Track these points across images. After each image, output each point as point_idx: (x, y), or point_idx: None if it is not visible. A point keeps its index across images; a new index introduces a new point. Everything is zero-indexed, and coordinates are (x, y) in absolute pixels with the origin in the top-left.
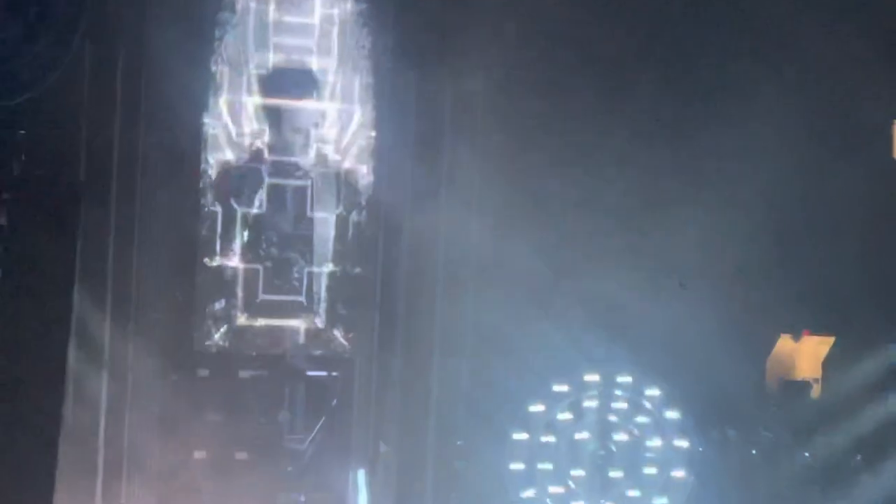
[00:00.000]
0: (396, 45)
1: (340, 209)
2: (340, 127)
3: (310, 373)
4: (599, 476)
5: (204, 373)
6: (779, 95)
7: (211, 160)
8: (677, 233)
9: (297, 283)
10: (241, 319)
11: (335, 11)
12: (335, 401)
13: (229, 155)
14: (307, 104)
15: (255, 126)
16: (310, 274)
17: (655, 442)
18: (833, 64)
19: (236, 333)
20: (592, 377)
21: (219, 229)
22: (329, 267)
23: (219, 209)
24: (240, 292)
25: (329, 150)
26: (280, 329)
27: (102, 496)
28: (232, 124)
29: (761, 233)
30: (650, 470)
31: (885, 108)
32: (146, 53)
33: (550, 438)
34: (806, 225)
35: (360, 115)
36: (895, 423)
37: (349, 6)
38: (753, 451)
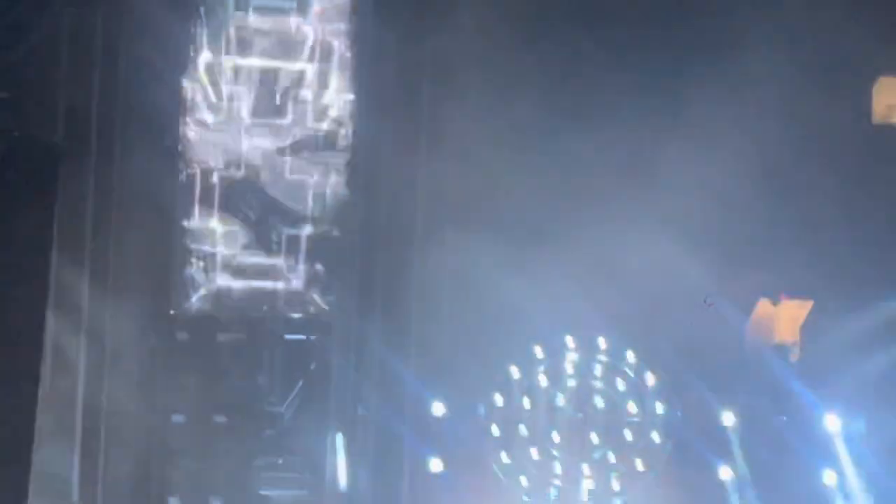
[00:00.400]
0: (376, 7)
1: (319, 171)
2: (319, 88)
3: (288, 336)
4: (578, 439)
5: (182, 336)
6: (763, 61)
7: (190, 122)
8: (658, 196)
9: (275, 246)
10: (220, 282)
11: None
12: (313, 364)
13: (208, 117)
14: (287, 66)
15: (235, 88)
16: (288, 236)
17: (634, 406)
18: (818, 26)
19: (214, 296)
20: (571, 341)
21: (197, 191)
22: (308, 229)
23: (197, 171)
24: (218, 255)
25: (308, 112)
26: (259, 292)
27: (81, 459)
28: (211, 86)
29: (741, 196)
30: (628, 434)
31: (865, 70)
32: (125, 15)
33: (529, 402)
34: (787, 188)
35: (338, 76)
36: (870, 385)
37: None
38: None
